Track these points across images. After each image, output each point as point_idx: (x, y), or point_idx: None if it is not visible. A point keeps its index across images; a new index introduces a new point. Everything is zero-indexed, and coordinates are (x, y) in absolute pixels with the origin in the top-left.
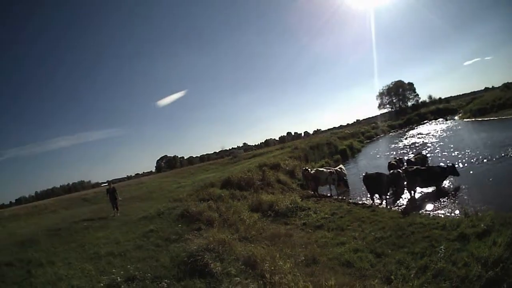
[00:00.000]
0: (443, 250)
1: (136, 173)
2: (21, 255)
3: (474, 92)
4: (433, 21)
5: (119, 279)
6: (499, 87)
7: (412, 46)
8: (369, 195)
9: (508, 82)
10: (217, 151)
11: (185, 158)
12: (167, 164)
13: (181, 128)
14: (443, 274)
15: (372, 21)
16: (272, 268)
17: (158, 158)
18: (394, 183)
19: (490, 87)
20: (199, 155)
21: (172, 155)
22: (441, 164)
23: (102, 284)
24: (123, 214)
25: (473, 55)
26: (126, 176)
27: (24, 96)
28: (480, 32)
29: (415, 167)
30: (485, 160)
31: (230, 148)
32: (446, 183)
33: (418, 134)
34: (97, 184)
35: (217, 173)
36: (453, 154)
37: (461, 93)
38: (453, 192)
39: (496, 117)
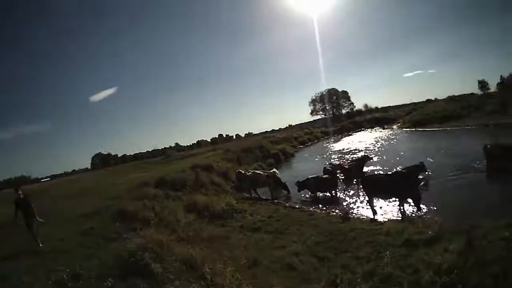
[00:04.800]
0: (388, 255)
1: (72, 169)
2: None
3: (414, 103)
4: (377, 31)
5: (65, 277)
6: (443, 99)
7: (353, 55)
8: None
9: (453, 95)
10: (150, 150)
11: (118, 155)
12: (102, 161)
13: (115, 125)
14: (391, 279)
15: (315, 26)
16: (212, 270)
17: (93, 155)
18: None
19: (433, 98)
20: (132, 154)
21: (106, 152)
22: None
23: (50, 282)
24: (62, 211)
25: (415, 67)
26: (63, 172)
27: None
28: (425, 46)
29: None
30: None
31: (163, 147)
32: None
33: (354, 141)
34: (37, 180)
35: (150, 172)
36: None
37: (400, 104)
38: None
39: (439, 128)
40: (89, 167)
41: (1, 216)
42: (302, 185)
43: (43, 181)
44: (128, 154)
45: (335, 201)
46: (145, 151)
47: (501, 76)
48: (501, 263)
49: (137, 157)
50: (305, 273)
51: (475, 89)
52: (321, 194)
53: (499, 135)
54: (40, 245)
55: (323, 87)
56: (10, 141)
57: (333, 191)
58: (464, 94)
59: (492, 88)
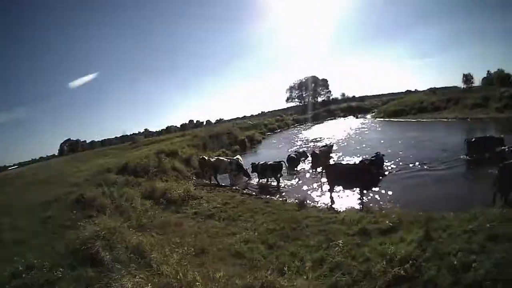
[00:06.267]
0: (341, 245)
1: (40, 156)
2: None
3: (393, 93)
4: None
5: (20, 268)
6: (423, 91)
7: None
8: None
9: (434, 87)
10: (118, 136)
11: (87, 142)
12: (70, 147)
13: (89, 111)
14: (341, 268)
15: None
16: (160, 257)
17: (62, 141)
18: None
19: (413, 90)
20: (100, 140)
21: (75, 139)
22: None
23: (6, 273)
24: (24, 200)
25: (400, 58)
26: (31, 159)
27: None
28: (416, 36)
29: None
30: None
31: (132, 133)
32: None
33: (323, 129)
34: (5, 168)
35: (115, 158)
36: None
37: (379, 94)
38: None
39: (414, 119)
40: (56, 154)
41: None
42: (253, 168)
43: (11, 169)
44: (96, 140)
45: (279, 188)
46: (113, 137)
47: (488, 71)
48: (461, 256)
49: (104, 143)
50: (253, 260)
51: (459, 82)
52: (265, 180)
53: (476, 128)
54: None
55: (305, 74)
56: None
57: (277, 178)
58: (446, 87)
59: (477, 82)
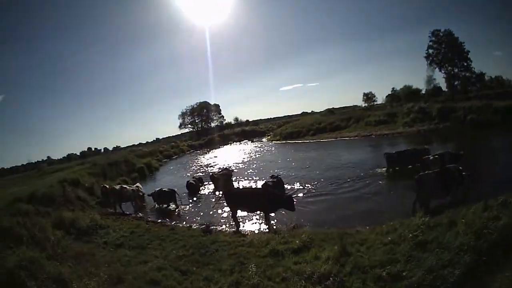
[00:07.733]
0: (254, 266)
1: None
2: None
3: (289, 116)
4: (256, 45)
5: None
6: (320, 112)
7: (231, 68)
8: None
9: (332, 108)
10: (25, 164)
11: None
12: None
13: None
14: None
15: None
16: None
17: None
18: None
19: (309, 111)
20: (9, 167)
21: None
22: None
23: None
24: None
25: (294, 81)
26: None
27: None
28: (307, 60)
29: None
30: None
31: (36, 161)
32: None
33: (219, 154)
34: None
35: (24, 187)
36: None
37: (273, 117)
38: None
39: (313, 140)
40: None
41: None
42: (152, 196)
43: None
44: (6, 168)
45: (179, 214)
46: (20, 165)
47: (393, 88)
48: (386, 266)
49: (12, 171)
50: (169, 287)
51: (359, 101)
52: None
53: (383, 144)
54: None
55: (196, 99)
56: None
57: (176, 204)
58: (346, 107)
59: (379, 100)
